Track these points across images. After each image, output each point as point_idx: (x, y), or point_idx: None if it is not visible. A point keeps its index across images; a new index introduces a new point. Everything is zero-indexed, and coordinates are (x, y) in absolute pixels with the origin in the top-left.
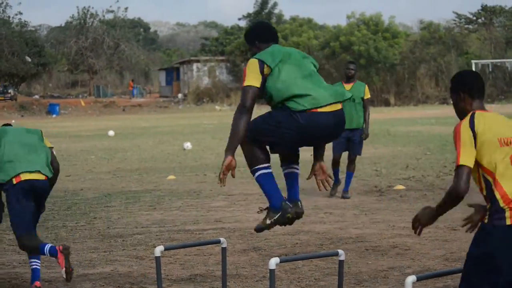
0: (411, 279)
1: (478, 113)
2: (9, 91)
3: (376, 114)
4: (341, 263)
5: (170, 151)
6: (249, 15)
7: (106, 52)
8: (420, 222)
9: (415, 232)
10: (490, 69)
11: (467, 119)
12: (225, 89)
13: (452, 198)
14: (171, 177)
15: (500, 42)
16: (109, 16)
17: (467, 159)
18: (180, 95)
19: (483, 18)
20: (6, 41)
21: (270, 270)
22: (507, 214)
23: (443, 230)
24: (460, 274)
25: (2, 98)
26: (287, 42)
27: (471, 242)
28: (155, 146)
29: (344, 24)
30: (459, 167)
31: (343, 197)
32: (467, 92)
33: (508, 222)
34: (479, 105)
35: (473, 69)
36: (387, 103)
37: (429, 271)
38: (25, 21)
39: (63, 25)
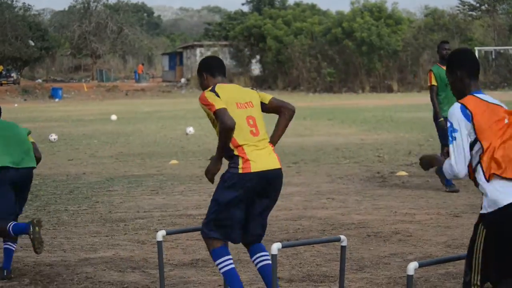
0: (413, 265)
1: (218, 85)
2: (12, 75)
3: (379, 100)
4: (343, 249)
5: (172, 135)
6: (252, 0)
7: (109, 37)
8: (211, 172)
9: (210, 181)
10: (493, 56)
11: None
12: (228, 74)
13: (225, 132)
14: (174, 161)
15: (503, 29)
16: (113, 1)
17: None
18: (183, 80)
19: (486, 5)
20: (10, 25)
21: (272, 255)
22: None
23: (445, 217)
24: (463, 261)
25: (5, 82)
26: (290, 28)
27: None
28: (157, 131)
29: (347, 10)
30: (217, 110)
31: (453, 191)
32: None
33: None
34: (222, 80)
35: (477, 56)
36: (390, 90)
37: (431, 258)
38: (28, 5)
39: (66, 9)
